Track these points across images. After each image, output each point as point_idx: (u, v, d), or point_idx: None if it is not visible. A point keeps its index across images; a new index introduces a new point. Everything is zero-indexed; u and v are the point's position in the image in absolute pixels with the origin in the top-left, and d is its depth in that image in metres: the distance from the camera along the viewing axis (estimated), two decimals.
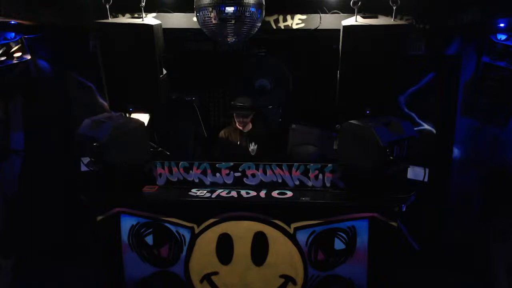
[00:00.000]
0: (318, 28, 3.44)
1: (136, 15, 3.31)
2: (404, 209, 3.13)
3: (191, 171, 3.46)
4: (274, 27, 3.51)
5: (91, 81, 4.24)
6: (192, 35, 3.73)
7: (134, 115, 3.52)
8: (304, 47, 4.16)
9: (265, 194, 3.31)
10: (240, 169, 3.44)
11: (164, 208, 3.24)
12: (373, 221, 3.16)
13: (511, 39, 3.66)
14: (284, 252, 3.22)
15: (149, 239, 3.28)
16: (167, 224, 3.25)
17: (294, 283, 3.27)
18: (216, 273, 3.29)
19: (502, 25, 3.54)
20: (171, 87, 3.66)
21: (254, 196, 3.28)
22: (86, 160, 3.28)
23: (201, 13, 2.83)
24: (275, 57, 4.63)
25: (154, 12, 3.44)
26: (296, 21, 3.49)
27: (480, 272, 3.83)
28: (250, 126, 4.00)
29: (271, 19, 3.48)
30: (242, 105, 3.91)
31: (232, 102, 3.97)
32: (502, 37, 3.68)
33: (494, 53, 3.70)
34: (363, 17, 3.14)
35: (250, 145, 3.96)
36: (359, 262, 3.22)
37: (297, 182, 3.43)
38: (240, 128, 3.97)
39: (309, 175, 3.41)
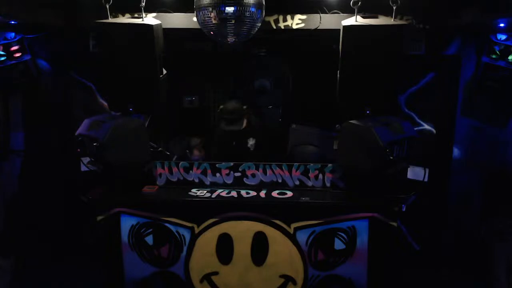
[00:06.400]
0: (318, 28, 3.44)
1: (136, 15, 3.31)
2: (404, 209, 3.13)
3: (191, 171, 3.46)
4: (274, 27, 3.51)
5: (91, 81, 4.24)
6: (192, 35, 3.73)
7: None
8: (304, 47, 4.16)
9: (265, 194, 3.31)
10: (240, 169, 3.44)
11: (164, 208, 3.24)
12: (373, 221, 3.16)
13: (511, 39, 3.67)
14: (284, 252, 3.22)
15: (149, 239, 3.28)
16: (167, 224, 3.24)
17: (294, 283, 3.27)
18: (216, 273, 3.29)
19: (502, 25, 3.55)
20: (171, 87, 3.66)
21: (254, 196, 3.27)
22: (86, 160, 3.28)
23: (201, 13, 2.83)
24: (275, 57, 4.63)
25: (154, 12, 3.44)
26: (296, 21, 3.49)
27: (480, 272, 3.83)
28: (244, 123, 3.82)
29: (271, 19, 3.49)
30: (230, 116, 3.70)
31: (221, 107, 3.80)
32: (502, 37, 3.68)
33: (494, 53, 3.70)
34: (363, 17, 3.14)
35: (249, 141, 3.90)
36: (359, 262, 3.22)
37: (297, 182, 3.42)
38: (229, 129, 3.78)
39: (309, 175, 3.40)
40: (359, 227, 3.18)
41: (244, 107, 3.81)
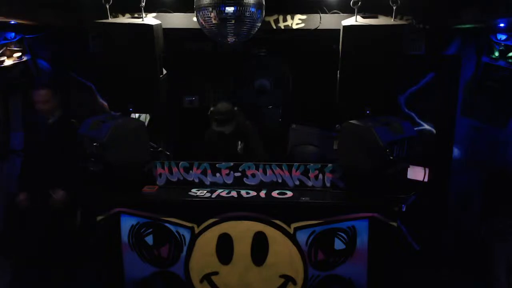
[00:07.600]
0: (318, 28, 3.44)
1: (136, 15, 3.31)
2: (404, 209, 3.13)
3: (191, 171, 3.46)
4: (274, 27, 3.51)
5: (91, 81, 4.24)
6: (192, 35, 3.73)
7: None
8: (304, 47, 4.16)
9: (265, 194, 3.31)
10: (240, 169, 3.44)
11: (164, 208, 3.24)
12: (373, 221, 3.16)
13: (511, 39, 3.67)
14: (284, 252, 3.22)
15: (149, 239, 3.28)
16: (167, 224, 3.25)
17: (294, 283, 3.27)
18: (216, 273, 3.29)
19: (502, 25, 3.55)
20: (171, 87, 3.66)
21: (254, 196, 3.28)
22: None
23: (201, 13, 2.83)
24: (275, 57, 4.64)
25: (154, 12, 3.44)
26: (296, 21, 3.49)
27: (480, 272, 3.83)
28: (232, 126, 3.79)
29: (271, 19, 3.48)
30: (222, 117, 3.67)
31: (212, 108, 3.77)
32: (502, 37, 3.68)
33: (494, 53, 3.70)
34: (363, 17, 3.14)
35: (238, 144, 3.86)
36: (359, 262, 3.22)
37: (297, 182, 3.43)
38: (221, 130, 3.77)
39: (309, 175, 3.40)
40: (359, 227, 3.18)
41: (235, 108, 3.77)
